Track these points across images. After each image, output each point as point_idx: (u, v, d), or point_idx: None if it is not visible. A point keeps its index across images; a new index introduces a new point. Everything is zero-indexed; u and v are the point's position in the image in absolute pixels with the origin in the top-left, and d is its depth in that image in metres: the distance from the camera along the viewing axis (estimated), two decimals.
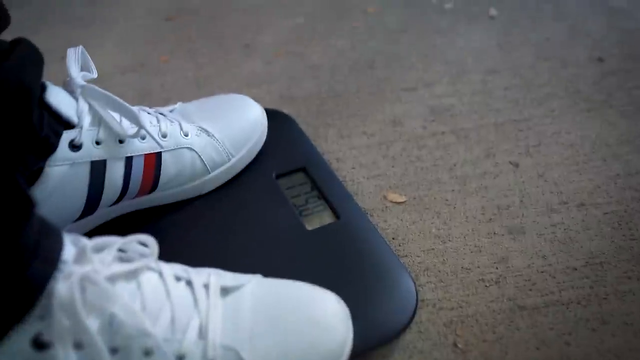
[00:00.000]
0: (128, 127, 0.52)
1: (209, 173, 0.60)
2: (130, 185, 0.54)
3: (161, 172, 0.56)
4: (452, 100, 0.76)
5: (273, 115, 0.69)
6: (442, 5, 1.00)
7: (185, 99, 0.72)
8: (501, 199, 0.62)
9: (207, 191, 0.61)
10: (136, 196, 0.56)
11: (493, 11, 0.98)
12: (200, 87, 0.83)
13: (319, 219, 0.59)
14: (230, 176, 0.62)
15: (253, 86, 0.82)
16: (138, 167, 0.54)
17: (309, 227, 0.57)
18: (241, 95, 0.66)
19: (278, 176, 0.63)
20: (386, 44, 0.90)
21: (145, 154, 0.54)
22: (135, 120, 0.50)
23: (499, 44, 0.88)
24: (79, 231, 0.53)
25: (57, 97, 0.48)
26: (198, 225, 0.58)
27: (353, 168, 0.67)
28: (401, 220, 0.60)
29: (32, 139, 0.45)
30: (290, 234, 0.56)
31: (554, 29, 0.92)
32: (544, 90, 0.78)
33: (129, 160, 0.53)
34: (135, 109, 0.53)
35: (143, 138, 0.53)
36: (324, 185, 0.61)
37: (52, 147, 0.47)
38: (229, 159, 0.61)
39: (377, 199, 0.63)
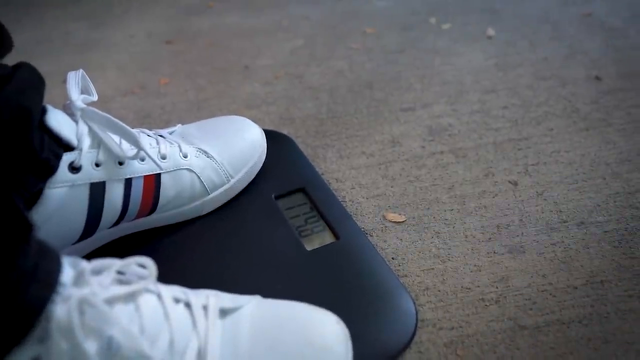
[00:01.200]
0: (127, 149, 0.52)
1: (209, 194, 0.60)
2: (130, 207, 0.54)
3: (160, 193, 0.56)
4: (451, 120, 0.77)
5: (272, 136, 0.69)
6: (439, 25, 1.02)
7: (185, 120, 0.73)
8: (501, 218, 0.62)
9: (206, 212, 0.61)
10: (135, 218, 0.56)
11: (491, 31, 0.99)
12: (200, 109, 0.83)
13: (318, 239, 0.58)
14: (229, 197, 0.62)
15: (252, 108, 0.82)
16: (137, 189, 0.54)
17: (309, 248, 0.57)
18: (240, 117, 0.66)
19: (277, 197, 0.63)
20: (384, 65, 0.91)
21: (145, 176, 0.54)
22: (134, 142, 0.50)
23: (496, 64, 0.89)
24: (77, 254, 0.52)
25: (57, 120, 0.48)
26: (197, 246, 0.58)
27: (352, 188, 0.67)
28: (400, 240, 0.60)
29: (32, 161, 0.45)
30: (289, 254, 0.56)
31: (552, 48, 0.92)
32: (543, 109, 0.78)
33: (128, 182, 0.53)
34: (134, 131, 0.53)
35: (142, 160, 0.54)
36: (323, 206, 0.61)
37: (52, 169, 0.47)
38: (228, 180, 0.61)
39: (377, 219, 0.63)
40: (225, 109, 0.82)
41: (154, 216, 0.58)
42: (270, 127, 0.76)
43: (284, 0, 1.17)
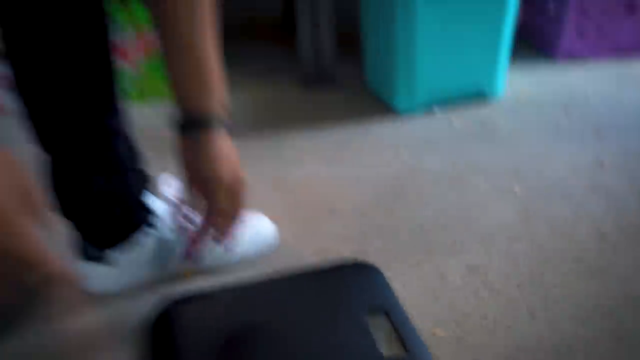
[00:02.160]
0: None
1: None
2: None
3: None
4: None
5: (363, 266, 0.89)
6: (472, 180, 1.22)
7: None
8: None
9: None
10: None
11: (517, 188, 1.21)
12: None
13: None
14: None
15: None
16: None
17: None
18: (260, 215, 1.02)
19: (364, 317, 0.75)
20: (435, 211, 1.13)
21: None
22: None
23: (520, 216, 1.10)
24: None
25: (153, 200, 0.92)
26: (287, 350, 0.72)
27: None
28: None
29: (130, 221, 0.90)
30: None
31: (560, 207, 1.13)
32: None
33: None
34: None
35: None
36: (403, 332, 0.73)
37: (142, 222, 0.90)
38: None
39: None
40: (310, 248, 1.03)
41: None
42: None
43: (359, 153, 1.36)
